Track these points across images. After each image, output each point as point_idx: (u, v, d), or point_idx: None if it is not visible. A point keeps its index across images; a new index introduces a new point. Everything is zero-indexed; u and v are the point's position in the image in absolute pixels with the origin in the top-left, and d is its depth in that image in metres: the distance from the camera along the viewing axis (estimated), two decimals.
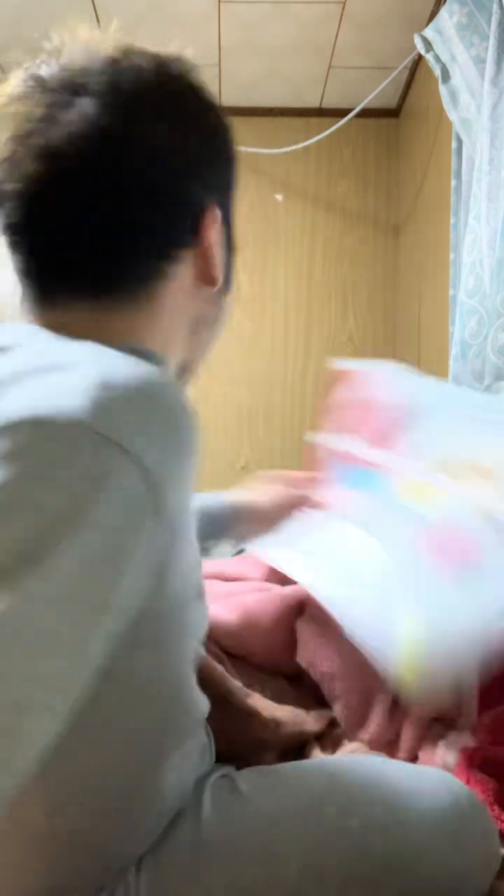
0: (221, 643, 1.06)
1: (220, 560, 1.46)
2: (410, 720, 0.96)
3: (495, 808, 0.75)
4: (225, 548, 1.66)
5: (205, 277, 0.61)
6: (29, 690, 0.37)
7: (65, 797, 0.55)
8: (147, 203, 0.56)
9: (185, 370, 0.67)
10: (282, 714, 0.92)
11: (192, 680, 0.64)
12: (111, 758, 0.57)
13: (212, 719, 0.79)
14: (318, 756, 0.91)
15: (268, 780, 0.68)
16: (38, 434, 0.41)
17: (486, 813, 0.70)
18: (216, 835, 0.61)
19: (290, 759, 0.90)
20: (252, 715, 0.88)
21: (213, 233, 0.60)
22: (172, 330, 0.61)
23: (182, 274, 0.59)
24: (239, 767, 0.73)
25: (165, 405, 0.45)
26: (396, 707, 1.00)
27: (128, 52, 0.57)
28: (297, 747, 0.94)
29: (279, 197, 2.55)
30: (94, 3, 1.97)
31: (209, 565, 1.39)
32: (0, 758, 0.36)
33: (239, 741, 0.84)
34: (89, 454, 0.40)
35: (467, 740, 0.87)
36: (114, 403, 0.42)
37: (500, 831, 0.74)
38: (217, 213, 0.61)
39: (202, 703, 0.66)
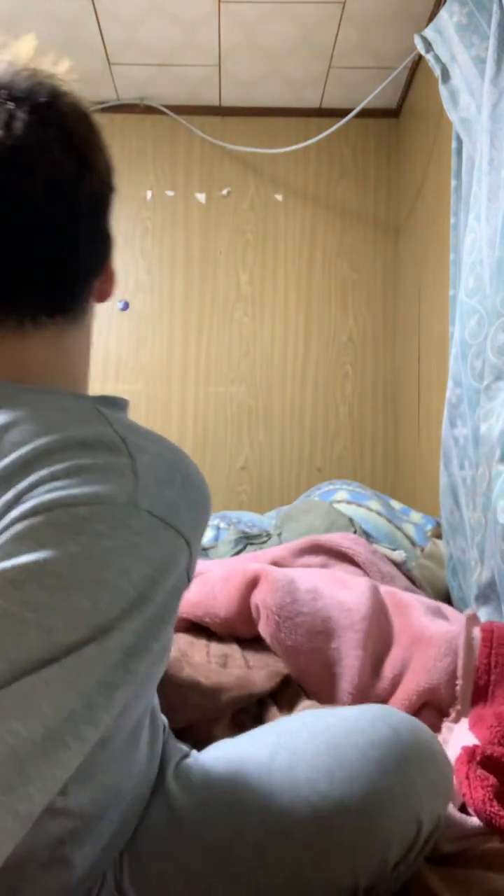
0: (184, 613, 1.12)
1: (221, 561, 1.46)
2: (399, 700, 0.97)
3: (495, 804, 0.75)
4: (224, 548, 1.66)
5: (100, 295, 0.66)
6: (78, 728, 0.42)
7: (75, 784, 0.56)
8: (91, 224, 0.60)
9: None
10: (227, 680, 0.96)
11: None
12: (118, 744, 0.59)
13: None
14: (275, 716, 0.94)
15: (223, 749, 0.71)
16: (104, 515, 0.46)
17: (429, 737, 0.72)
18: (183, 805, 0.64)
19: (249, 722, 0.94)
20: (188, 685, 0.92)
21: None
22: (89, 344, 0.67)
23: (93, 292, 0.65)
24: (196, 743, 0.76)
25: (196, 485, 0.54)
26: (373, 680, 1.00)
27: (53, 77, 0.59)
28: (254, 709, 0.98)
29: (279, 197, 2.56)
30: (94, 4, 1.98)
31: (210, 566, 1.39)
32: (47, 780, 0.40)
33: (181, 710, 0.89)
34: (151, 538, 0.47)
35: (469, 737, 0.87)
36: (161, 488, 0.50)
37: (501, 827, 0.74)
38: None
39: None
